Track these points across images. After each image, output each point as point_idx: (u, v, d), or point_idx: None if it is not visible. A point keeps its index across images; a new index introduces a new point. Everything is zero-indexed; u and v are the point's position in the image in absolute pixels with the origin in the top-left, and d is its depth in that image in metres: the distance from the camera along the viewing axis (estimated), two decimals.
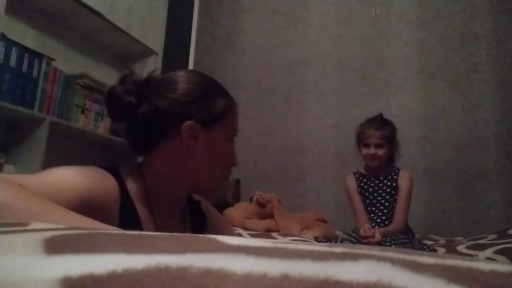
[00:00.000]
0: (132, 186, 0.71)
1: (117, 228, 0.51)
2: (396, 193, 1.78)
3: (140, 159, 0.79)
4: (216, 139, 0.76)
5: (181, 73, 0.77)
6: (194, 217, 0.87)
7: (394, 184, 1.80)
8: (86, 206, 0.53)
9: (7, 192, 0.43)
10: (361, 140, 1.83)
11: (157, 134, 0.73)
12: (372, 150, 1.76)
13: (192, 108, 0.72)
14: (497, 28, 2.53)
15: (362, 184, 1.86)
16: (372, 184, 1.83)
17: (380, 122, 1.82)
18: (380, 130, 1.77)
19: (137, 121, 0.72)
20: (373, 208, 1.81)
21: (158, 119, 0.72)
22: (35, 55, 1.77)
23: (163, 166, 0.74)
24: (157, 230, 0.72)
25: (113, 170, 0.70)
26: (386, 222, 1.76)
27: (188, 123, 0.71)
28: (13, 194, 0.43)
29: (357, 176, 1.90)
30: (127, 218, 0.63)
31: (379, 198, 1.81)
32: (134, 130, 0.75)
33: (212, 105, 0.74)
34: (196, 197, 0.92)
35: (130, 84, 0.72)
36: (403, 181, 1.79)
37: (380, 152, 1.76)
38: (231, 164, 0.81)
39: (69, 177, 0.59)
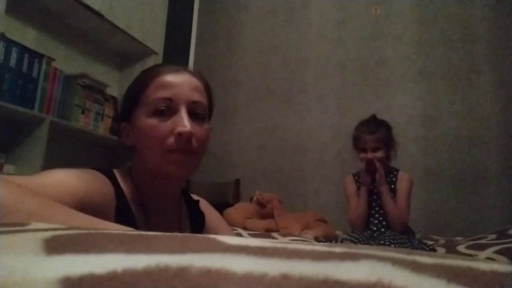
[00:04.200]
0: (126, 187, 0.73)
1: (117, 225, 0.51)
2: (395, 195, 1.77)
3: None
4: (137, 123, 0.73)
5: None
6: (193, 216, 0.88)
7: (392, 186, 1.78)
8: (83, 208, 0.53)
9: (5, 190, 0.43)
10: (357, 144, 1.82)
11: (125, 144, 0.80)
12: (369, 155, 1.75)
13: (120, 113, 0.80)
14: (497, 28, 2.53)
15: (361, 187, 1.85)
16: (371, 187, 1.82)
17: (374, 125, 1.80)
18: (375, 134, 1.76)
19: None
20: (372, 212, 1.80)
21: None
22: (35, 55, 1.77)
23: (138, 169, 0.77)
24: (151, 230, 0.72)
25: (108, 172, 0.71)
26: (384, 223, 1.75)
27: (121, 126, 0.78)
28: (11, 193, 0.43)
29: (356, 178, 1.89)
30: (123, 219, 0.64)
31: (378, 201, 1.80)
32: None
33: (125, 99, 0.78)
34: (195, 196, 0.93)
35: None
36: (401, 184, 1.78)
37: (378, 154, 1.75)
38: (166, 136, 0.69)
39: (67, 180, 0.59)
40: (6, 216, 0.40)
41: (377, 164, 1.73)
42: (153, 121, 0.70)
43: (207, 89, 0.79)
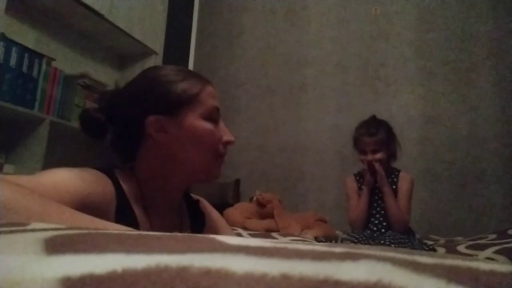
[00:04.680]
0: (127, 187, 0.72)
1: (118, 225, 0.51)
2: (397, 195, 1.76)
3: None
4: (188, 122, 0.73)
5: (137, 75, 0.79)
6: (193, 216, 0.88)
7: (394, 186, 1.78)
8: (84, 208, 0.53)
9: (6, 191, 0.43)
10: (357, 145, 1.81)
11: (131, 140, 0.76)
12: (369, 157, 1.75)
13: (148, 103, 0.73)
14: (497, 28, 2.53)
15: (363, 187, 1.84)
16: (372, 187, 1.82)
17: (374, 126, 1.78)
18: (375, 136, 1.74)
19: (112, 134, 0.78)
20: (373, 212, 1.79)
21: (125, 127, 0.75)
22: (35, 55, 1.77)
23: (150, 167, 0.75)
24: (152, 230, 0.72)
25: (109, 172, 0.71)
26: (384, 223, 1.75)
27: (150, 118, 0.72)
28: (12, 193, 0.43)
29: (357, 178, 1.88)
30: (124, 219, 0.64)
31: (379, 202, 1.79)
32: (113, 142, 0.79)
33: (170, 93, 0.73)
34: (195, 196, 0.92)
35: (98, 102, 0.79)
36: (402, 184, 1.77)
37: (378, 156, 1.74)
38: (219, 142, 0.76)
39: (67, 179, 0.59)
40: (6, 216, 0.40)
41: (376, 165, 1.73)
42: (210, 126, 0.75)
43: None
